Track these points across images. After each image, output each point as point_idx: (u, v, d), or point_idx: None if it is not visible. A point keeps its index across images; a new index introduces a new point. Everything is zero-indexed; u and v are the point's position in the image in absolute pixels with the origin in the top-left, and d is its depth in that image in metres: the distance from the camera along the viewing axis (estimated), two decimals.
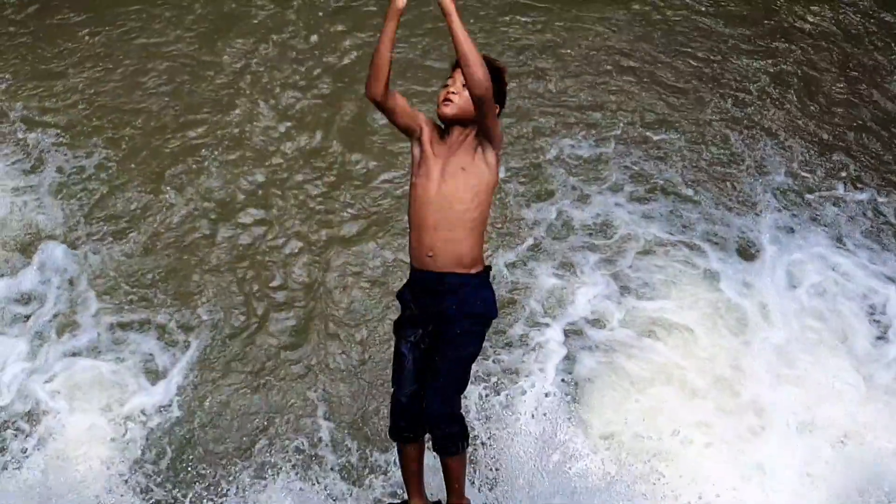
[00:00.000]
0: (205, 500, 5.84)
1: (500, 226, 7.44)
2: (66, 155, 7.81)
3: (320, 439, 6.17)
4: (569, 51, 8.93)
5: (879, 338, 6.98)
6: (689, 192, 7.86)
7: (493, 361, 6.64)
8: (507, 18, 9.24)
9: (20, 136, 7.93)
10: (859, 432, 6.39)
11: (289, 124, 8.18)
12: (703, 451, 6.26)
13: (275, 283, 7.04)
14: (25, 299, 6.86)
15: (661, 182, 7.89)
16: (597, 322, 6.99)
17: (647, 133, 8.24)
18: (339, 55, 8.81)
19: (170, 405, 6.32)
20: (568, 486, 5.83)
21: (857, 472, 6.19)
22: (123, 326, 6.72)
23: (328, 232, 7.40)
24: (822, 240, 7.54)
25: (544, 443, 6.07)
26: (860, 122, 8.35)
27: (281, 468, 5.99)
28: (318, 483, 5.93)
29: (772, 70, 8.83)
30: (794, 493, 6.11)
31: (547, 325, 6.93)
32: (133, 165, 7.76)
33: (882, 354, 6.89)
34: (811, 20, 9.27)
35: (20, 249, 7.13)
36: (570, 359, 6.74)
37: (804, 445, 6.35)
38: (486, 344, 6.63)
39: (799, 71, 8.81)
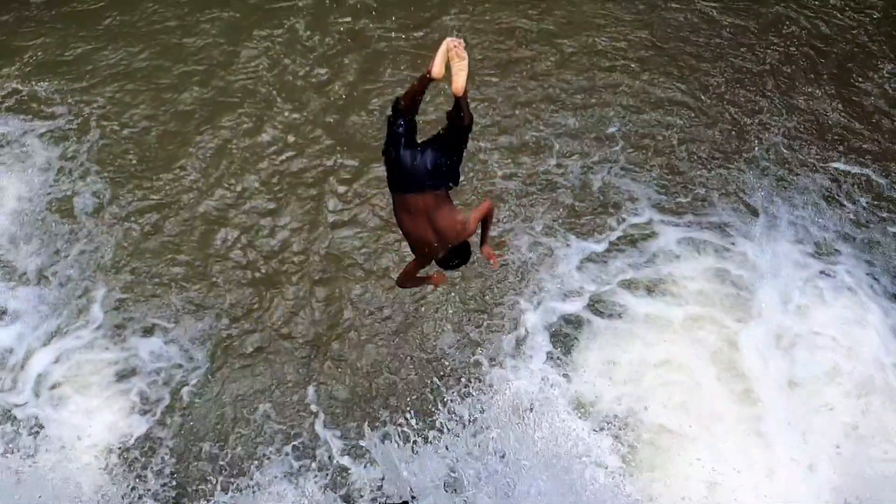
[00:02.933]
0: (203, 492, 5.95)
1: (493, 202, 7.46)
2: (107, 123, 8.08)
3: (317, 436, 6.20)
4: (566, 38, 9.03)
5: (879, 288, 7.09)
6: (684, 152, 7.99)
7: (484, 331, 6.75)
8: (507, 7, 9.36)
9: (59, 109, 8.20)
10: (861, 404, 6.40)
11: (306, 109, 8.33)
12: (704, 426, 6.24)
13: (283, 277, 7.11)
14: (50, 266, 7.08)
15: (658, 152, 8.01)
16: (592, 287, 7.03)
17: (644, 112, 8.39)
18: (355, 50, 8.90)
19: (175, 392, 6.39)
20: (558, 460, 5.90)
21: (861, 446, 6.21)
22: (138, 301, 6.88)
23: (334, 226, 7.49)
24: (819, 201, 7.66)
25: (536, 418, 6.13)
26: (856, 106, 8.47)
27: (279, 463, 6.07)
28: (314, 478, 5.97)
29: (771, 57, 8.96)
30: (792, 461, 6.10)
31: (546, 290, 7.01)
32: (164, 144, 7.97)
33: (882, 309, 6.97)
34: (810, 12, 9.39)
35: (59, 212, 7.42)
36: (562, 328, 6.80)
37: (805, 419, 6.34)
38: (468, 323, 6.77)
39: (798, 58, 8.93)
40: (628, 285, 7.06)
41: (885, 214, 7.58)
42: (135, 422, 6.23)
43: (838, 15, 9.36)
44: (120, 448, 6.08)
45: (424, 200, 4.80)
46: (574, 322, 6.85)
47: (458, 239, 4.87)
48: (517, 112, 8.29)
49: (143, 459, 6.03)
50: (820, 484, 5.98)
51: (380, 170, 7.60)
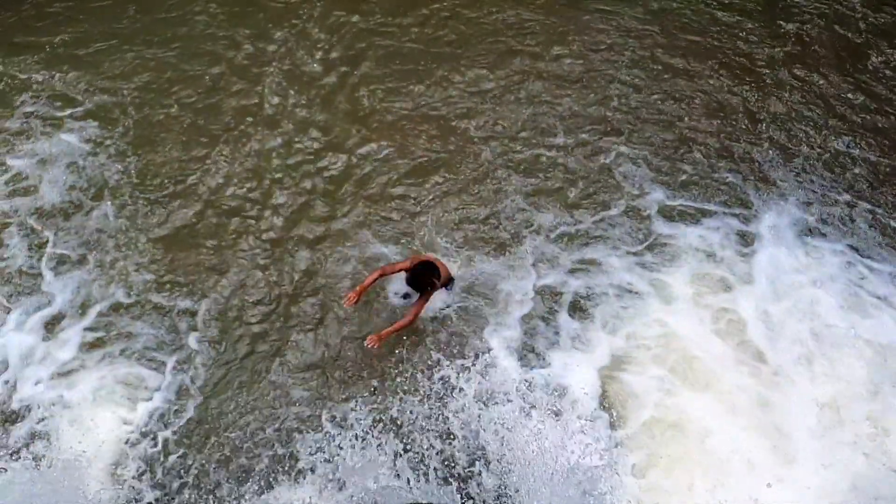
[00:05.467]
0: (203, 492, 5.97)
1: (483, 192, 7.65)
2: (136, 113, 8.26)
3: (316, 431, 6.20)
4: (568, 31, 9.17)
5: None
6: (687, 132, 8.11)
7: (470, 312, 6.79)
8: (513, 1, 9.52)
9: (86, 97, 8.43)
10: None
11: (313, 107, 8.48)
12: (707, 407, 6.14)
13: (293, 273, 7.17)
14: (77, 247, 7.24)
15: (661, 136, 8.12)
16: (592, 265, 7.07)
17: (647, 95, 8.50)
18: (357, 47, 9.07)
19: (184, 384, 6.43)
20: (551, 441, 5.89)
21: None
22: (155, 285, 6.99)
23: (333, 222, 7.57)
24: (825, 174, 7.78)
25: (526, 404, 6.10)
26: (864, 91, 8.63)
27: (280, 459, 6.08)
28: (314, 476, 5.97)
29: (778, 43, 9.09)
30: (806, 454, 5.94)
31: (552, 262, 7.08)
32: (184, 138, 8.12)
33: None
34: (811, 10, 9.52)
35: (92, 189, 7.60)
36: (557, 303, 6.81)
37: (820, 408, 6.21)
38: (455, 307, 6.83)
39: (806, 43, 9.09)
40: (624, 256, 7.11)
41: (888, 190, 7.72)
42: (142, 412, 6.27)
43: (841, 13, 9.50)
44: (125, 439, 6.12)
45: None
46: (566, 298, 6.87)
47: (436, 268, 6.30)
48: (515, 102, 8.45)
49: (146, 453, 6.09)
50: (835, 478, 5.89)
51: (391, 165, 7.93)
